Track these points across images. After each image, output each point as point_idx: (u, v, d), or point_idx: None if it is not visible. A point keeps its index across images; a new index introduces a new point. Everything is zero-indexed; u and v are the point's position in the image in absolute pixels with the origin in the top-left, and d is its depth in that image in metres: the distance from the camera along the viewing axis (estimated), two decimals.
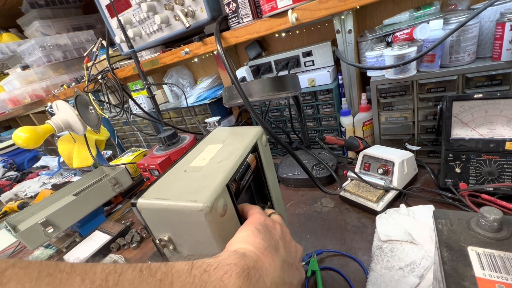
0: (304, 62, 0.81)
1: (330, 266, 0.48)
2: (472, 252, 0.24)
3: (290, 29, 0.49)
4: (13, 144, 1.84)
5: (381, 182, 0.57)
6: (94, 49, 0.67)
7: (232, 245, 0.25)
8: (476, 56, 0.56)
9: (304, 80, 0.78)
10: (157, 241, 0.29)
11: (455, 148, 0.52)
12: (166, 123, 0.81)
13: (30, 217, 0.80)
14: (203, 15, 0.50)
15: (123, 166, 0.91)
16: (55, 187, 1.14)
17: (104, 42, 0.66)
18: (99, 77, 0.66)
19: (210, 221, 0.25)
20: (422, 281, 0.39)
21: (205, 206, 0.24)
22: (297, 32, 0.84)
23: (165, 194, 0.27)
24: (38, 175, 1.49)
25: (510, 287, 0.21)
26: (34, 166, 1.75)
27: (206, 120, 0.88)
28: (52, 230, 0.69)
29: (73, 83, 0.84)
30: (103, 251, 0.70)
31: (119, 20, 0.55)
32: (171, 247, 0.29)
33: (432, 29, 0.54)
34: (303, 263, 0.48)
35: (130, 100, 1.04)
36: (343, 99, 0.75)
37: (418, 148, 0.65)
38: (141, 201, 0.27)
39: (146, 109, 0.98)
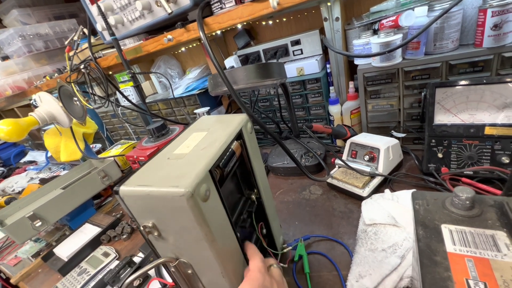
0: (293, 51, 0.80)
1: (317, 251, 0.49)
2: (445, 229, 0.25)
3: (274, 14, 0.49)
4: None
5: (367, 169, 0.59)
6: (75, 38, 0.65)
7: None
8: (459, 43, 0.56)
9: (293, 69, 0.77)
10: (142, 228, 0.29)
11: (438, 133, 0.53)
12: (154, 114, 0.80)
13: (17, 212, 0.79)
14: (185, 0, 0.49)
15: (112, 158, 0.90)
16: (43, 181, 1.12)
17: (85, 30, 0.64)
18: (82, 66, 0.64)
19: (192, 206, 0.25)
20: (403, 261, 0.41)
21: (187, 191, 0.24)
22: (285, 20, 0.83)
23: (147, 181, 0.27)
24: (25, 170, 1.46)
25: (478, 260, 0.22)
26: (21, 161, 1.71)
27: (195, 111, 0.88)
28: (40, 223, 0.69)
29: (56, 74, 0.82)
30: (94, 243, 0.70)
31: (99, 7, 0.53)
32: (155, 234, 0.29)
33: (417, 16, 0.55)
34: (290, 247, 0.49)
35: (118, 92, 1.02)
36: (331, 87, 0.75)
37: (403, 135, 0.66)
38: (124, 188, 0.27)
39: (134, 101, 0.96)
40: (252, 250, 0.35)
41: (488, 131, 0.48)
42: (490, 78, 0.49)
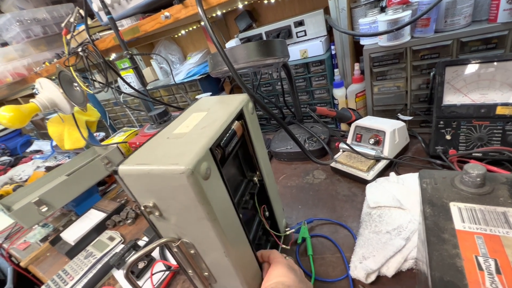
0: (296, 33, 0.78)
1: (320, 233, 0.49)
2: (454, 207, 0.25)
3: None
4: (4, 129, 1.81)
5: (372, 152, 0.57)
6: (72, 19, 0.63)
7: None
8: (472, 19, 0.53)
9: (296, 51, 0.75)
10: (143, 208, 0.29)
11: (446, 115, 0.52)
12: (155, 99, 0.79)
13: (23, 198, 0.80)
14: None
15: (115, 145, 0.90)
16: (49, 169, 1.13)
17: (82, 12, 0.62)
18: (79, 49, 0.63)
19: (192, 183, 0.24)
20: (408, 243, 0.40)
21: (187, 169, 0.24)
22: None
23: (146, 160, 0.26)
24: (31, 159, 1.48)
25: (488, 237, 0.21)
26: (28, 150, 1.73)
27: (197, 97, 0.86)
28: (46, 209, 0.69)
29: (55, 59, 0.80)
30: (99, 228, 0.71)
31: None
32: (157, 213, 0.29)
33: None
34: (293, 230, 0.49)
35: (119, 78, 1.00)
36: (335, 70, 0.73)
37: (410, 118, 0.64)
38: (123, 168, 0.27)
39: (136, 88, 0.95)
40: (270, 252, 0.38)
41: (500, 111, 0.46)
42: (504, 55, 0.46)
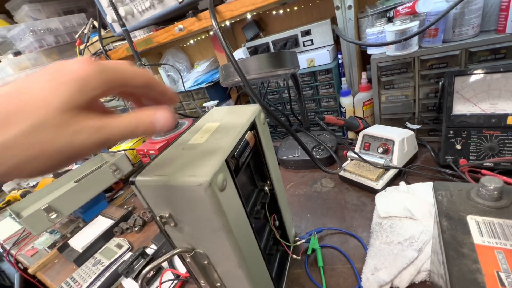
0: (303, 42, 0.79)
1: (330, 244, 0.49)
2: (472, 220, 0.24)
3: (287, 1, 0.47)
4: None
5: (381, 161, 0.57)
6: (86, 30, 0.65)
7: None
8: (480, 30, 0.54)
9: (303, 60, 0.76)
10: (158, 218, 0.29)
11: (456, 124, 0.52)
12: None
13: (32, 204, 0.81)
14: None
15: (123, 152, 0.91)
16: (56, 175, 1.14)
17: (95, 23, 0.64)
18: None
19: (210, 195, 0.25)
20: (421, 254, 0.40)
21: (205, 181, 0.24)
22: (295, 9, 0.81)
23: (164, 171, 0.27)
24: None
25: (509, 252, 0.21)
26: None
27: (204, 104, 0.87)
28: (55, 215, 0.70)
29: None
30: (107, 235, 0.71)
31: None
32: (172, 224, 0.29)
33: (435, 1, 0.52)
34: (303, 240, 0.48)
35: None
36: (343, 79, 0.74)
37: (418, 126, 0.64)
38: (140, 179, 0.27)
39: None
40: None
41: (511, 121, 0.46)
42: None
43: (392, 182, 0.57)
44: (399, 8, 0.57)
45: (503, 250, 0.21)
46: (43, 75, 0.18)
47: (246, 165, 0.39)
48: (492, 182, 0.25)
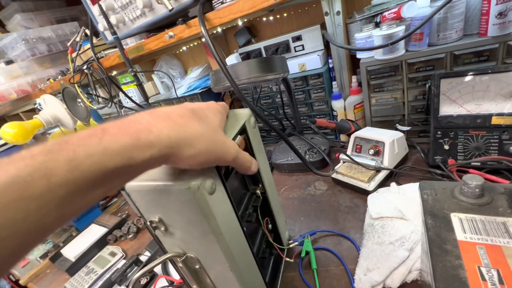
0: (294, 47, 0.80)
1: (323, 246, 0.49)
2: (455, 218, 0.25)
3: (275, 7, 0.48)
4: (3, 145, 1.81)
5: (372, 163, 0.58)
6: (78, 39, 0.66)
7: None
8: (463, 33, 0.56)
9: (295, 65, 0.77)
10: (148, 223, 0.29)
11: (444, 125, 0.53)
12: None
13: None
14: None
15: None
16: None
17: (87, 31, 0.64)
18: (85, 67, 0.65)
19: (199, 199, 0.25)
20: (412, 254, 0.40)
21: (194, 184, 0.24)
22: (285, 15, 0.83)
23: (153, 175, 0.27)
24: None
25: (489, 247, 0.22)
26: None
27: None
28: None
29: (59, 76, 0.83)
30: (100, 243, 0.71)
31: (100, 6, 0.53)
32: (162, 228, 0.29)
33: (419, 7, 0.54)
34: (296, 243, 0.48)
35: (120, 93, 1.02)
36: (333, 83, 0.75)
37: (408, 128, 0.66)
38: (129, 183, 0.27)
39: (137, 101, 0.97)
40: None
41: (495, 121, 0.47)
42: (496, 67, 0.48)
43: (384, 183, 0.58)
44: (386, 13, 0.58)
45: (484, 245, 0.22)
46: (205, 104, 0.30)
47: None
48: (473, 180, 0.26)
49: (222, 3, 0.44)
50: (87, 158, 0.18)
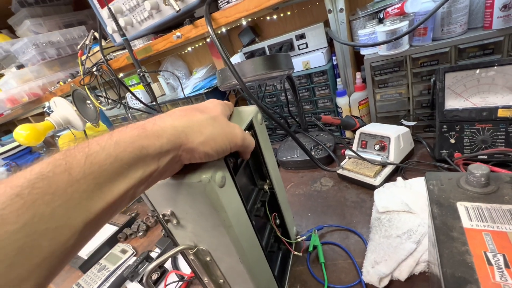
0: (298, 45, 0.81)
1: (330, 241, 0.50)
2: (461, 206, 0.25)
3: (279, 5, 0.49)
4: (15, 148, 1.85)
5: (378, 158, 0.58)
6: (87, 42, 0.67)
7: None
8: (468, 27, 0.56)
9: (299, 63, 0.78)
10: (161, 217, 0.30)
11: (449, 119, 0.53)
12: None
13: None
14: None
15: None
16: None
17: (96, 34, 0.66)
18: (94, 69, 0.67)
19: (209, 191, 0.26)
20: (419, 246, 0.41)
21: (205, 177, 0.25)
22: (289, 13, 0.83)
23: None
24: None
25: (495, 234, 0.22)
26: None
27: None
28: None
29: (69, 79, 0.85)
30: (111, 241, 0.72)
31: (109, 9, 0.55)
32: (174, 221, 0.30)
33: (423, 1, 0.54)
34: (304, 237, 0.49)
35: (127, 95, 1.04)
36: (338, 79, 0.75)
37: (414, 123, 0.66)
38: None
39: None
40: None
41: (501, 113, 0.47)
42: (502, 60, 0.48)
43: (390, 178, 0.58)
44: (389, 9, 0.59)
45: (490, 232, 0.22)
46: (205, 101, 0.31)
47: (246, 165, 0.40)
48: (479, 169, 0.26)
49: (227, 2, 0.45)
50: (101, 151, 0.19)
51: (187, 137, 0.24)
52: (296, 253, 0.46)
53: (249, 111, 0.38)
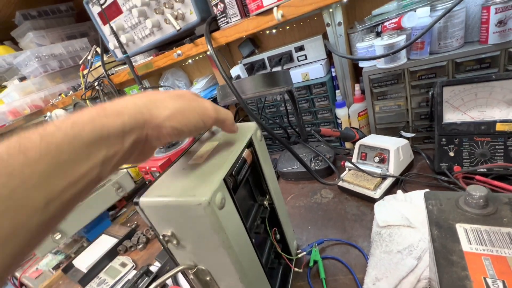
0: (297, 57, 0.82)
1: (331, 255, 0.49)
2: (460, 228, 0.26)
3: (278, 25, 0.50)
4: None
5: (378, 170, 0.58)
6: (89, 57, 0.68)
7: None
8: (464, 41, 0.56)
9: (298, 74, 0.79)
10: (161, 237, 0.30)
11: (448, 132, 0.53)
12: None
13: None
14: (192, 17, 0.51)
15: (125, 170, 0.92)
16: None
17: (98, 50, 0.67)
18: (96, 83, 0.67)
19: (209, 214, 0.26)
20: (420, 262, 0.40)
21: (204, 200, 0.25)
22: (288, 28, 0.84)
23: (165, 191, 0.28)
24: None
25: (495, 258, 0.22)
26: None
27: None
28: (59, 236, 0.71)
29: (71, 92, 0.86)
30: (111, 254, 0.72)
31: (111, 27, 0.56)
32: (174, 242, 0.30)
33: (419, 16, 0.55)
34: (304, 252, 0.49)
35: None
36: (337, 91, 0.76)
37: (413, 135, 0.66)
38: (143, 200, 0.28)
39: None
40: None
41: (499, 127, 0.48)
42: (499, 74, 0.48)
43: (390, 190, 0.58)
44: (386, 23, 0.60)
45: (490, 256, 0.22)
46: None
47: (245, 181, 0.40)
48: (477, 190, 0.26)
49: (227, 23, 0.46)
50: (58, 131, 0.19)
51: (151, 113, 0.23)
52: (296, 269, 0.46)
53: (249, 128, 0.39)
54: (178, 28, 0.48)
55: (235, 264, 0.30)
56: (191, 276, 0.33)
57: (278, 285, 0.45)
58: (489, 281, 0.21)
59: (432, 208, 0.29)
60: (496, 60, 0.51)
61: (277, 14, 0.46)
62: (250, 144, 0.37)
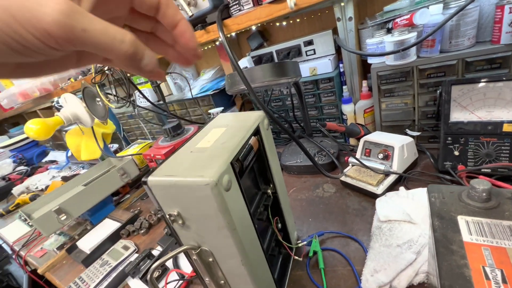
0: (306, 51, 0.81)
1: (331, 247, 0.50)
2: (462, 220, 0.26)
3: (290, 14, 0.50)
4: (22, 140, 1.89)
5: (381, 167, 0.59)
6: None
7: None
8: (476, 40, 0.56)
9: (306, 69, 0.78)
10: (167, 216, 0.31)
11: (454, 131, 0.53)
12: (171, 113, 0.83)
13: (43, 206, 0.84)
14: (205, 4, 0.51)
15: (130, 156, 0.94)
16: (65, 179, 1.17)
17: None
18: (106, 68, 0.68)
19: (215, 194, 0.27)
20: (419, 256, 0.41)
21: (211, 181, 0.26)
22: (298, 20, 0.84)
23: (174, 172, 0.29)
24: (47, 169, 1.53)
25: (495, 249, 0.23)
26: (43, 160, 1.80)
27: (209, 111, 0.90)
28: (65, 217, 0.72)
29: (80, 76, 0.86)
30: (114, 237, 0.73)
31: None
32: (180, 222, 0.31)
33: (431, 14, 0.55)
34: (305, 243, 0.50)
35: (135, 93, 1.06)
36: (344, 87, 0.76)
37: (418, 133, 0.66)
38: (152, 179, 0.29)
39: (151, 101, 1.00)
40: None
41: (506, 128, 0.48)
42: (509, 75, 0.48)
43: (393, 187, 0.58)
44: (398, 20, 0.59)
45: (490, 247, 0.23)
46: None
47: (250, 169, 0.41)
48: (481, 184, 0.27)
49: (240, 10, 0.46)
50: None
51: None
52: (296, 257, 0.47)
53: (256, 116, 0.39)
54: (190, 14, 0.49)
55: (238, 246, 0.31)
56: (194, 257, 0.34)
57: (277, 273, 0.46)
58: (488, 269, 0.21)
59: (435, 200, 0.29)
60: (507, 61, 0.51)
61: (290, 2, 0.46)
62: (257, 132, 0.38)
